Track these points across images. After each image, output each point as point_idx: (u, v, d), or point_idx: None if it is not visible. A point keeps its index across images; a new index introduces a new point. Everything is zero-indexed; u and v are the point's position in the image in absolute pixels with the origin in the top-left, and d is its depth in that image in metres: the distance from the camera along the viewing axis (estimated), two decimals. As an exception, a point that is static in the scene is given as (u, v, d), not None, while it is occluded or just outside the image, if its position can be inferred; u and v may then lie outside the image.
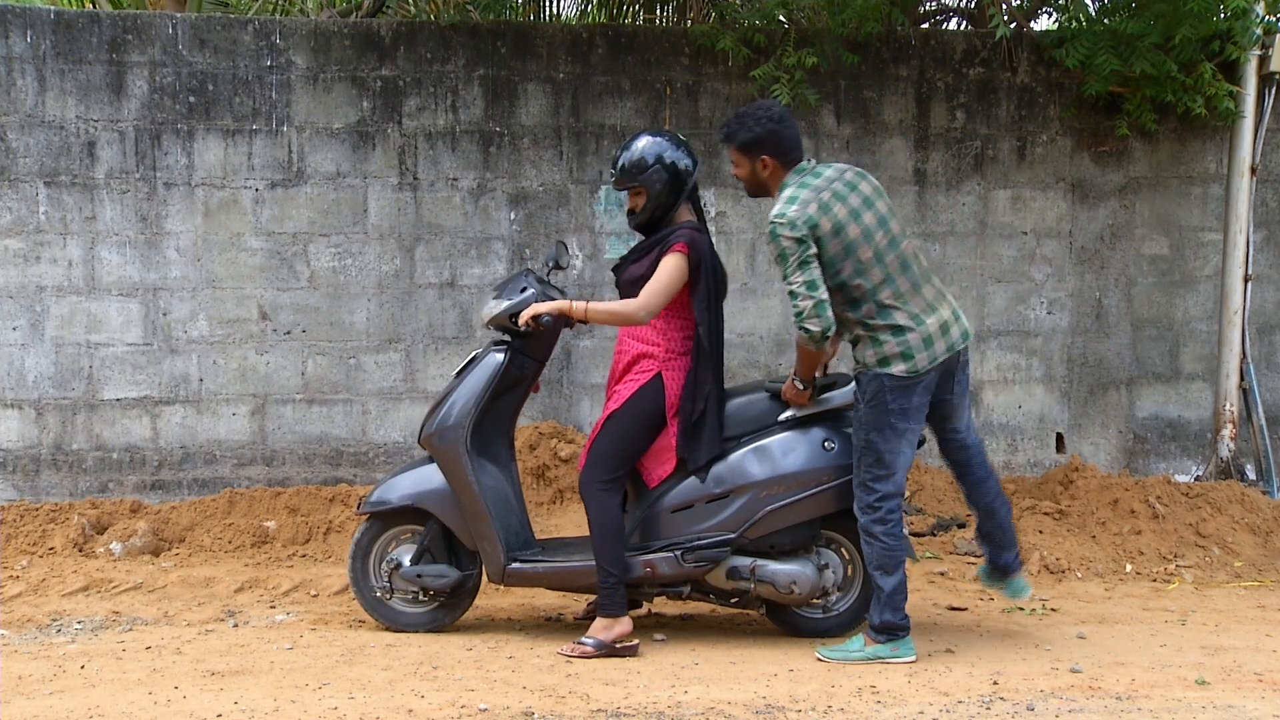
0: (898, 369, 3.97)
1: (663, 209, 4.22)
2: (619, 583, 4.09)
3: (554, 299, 4.25)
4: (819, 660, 4.01)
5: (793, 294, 3.91)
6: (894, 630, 4.01)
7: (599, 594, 4.12)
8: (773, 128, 4.04)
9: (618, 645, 4.06)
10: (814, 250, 3.90)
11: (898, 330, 3.97)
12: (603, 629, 4.08)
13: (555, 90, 6.24)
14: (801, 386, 4.14)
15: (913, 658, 4.02)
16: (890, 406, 3.98)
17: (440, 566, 4.32)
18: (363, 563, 4.39)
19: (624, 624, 4.09)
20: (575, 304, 4.15)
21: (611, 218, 6.19)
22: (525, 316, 4.13)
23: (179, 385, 6.05)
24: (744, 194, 6.20)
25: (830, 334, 3.91)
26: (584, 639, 4.08)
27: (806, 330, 3.90)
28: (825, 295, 3.89)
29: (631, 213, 4.27)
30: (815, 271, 3.90)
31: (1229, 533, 5.68)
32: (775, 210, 3.95)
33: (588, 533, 4.28)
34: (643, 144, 4.23)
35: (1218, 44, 6.01)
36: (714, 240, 6.21)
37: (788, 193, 3.99)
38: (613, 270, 4.43)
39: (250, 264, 6.08)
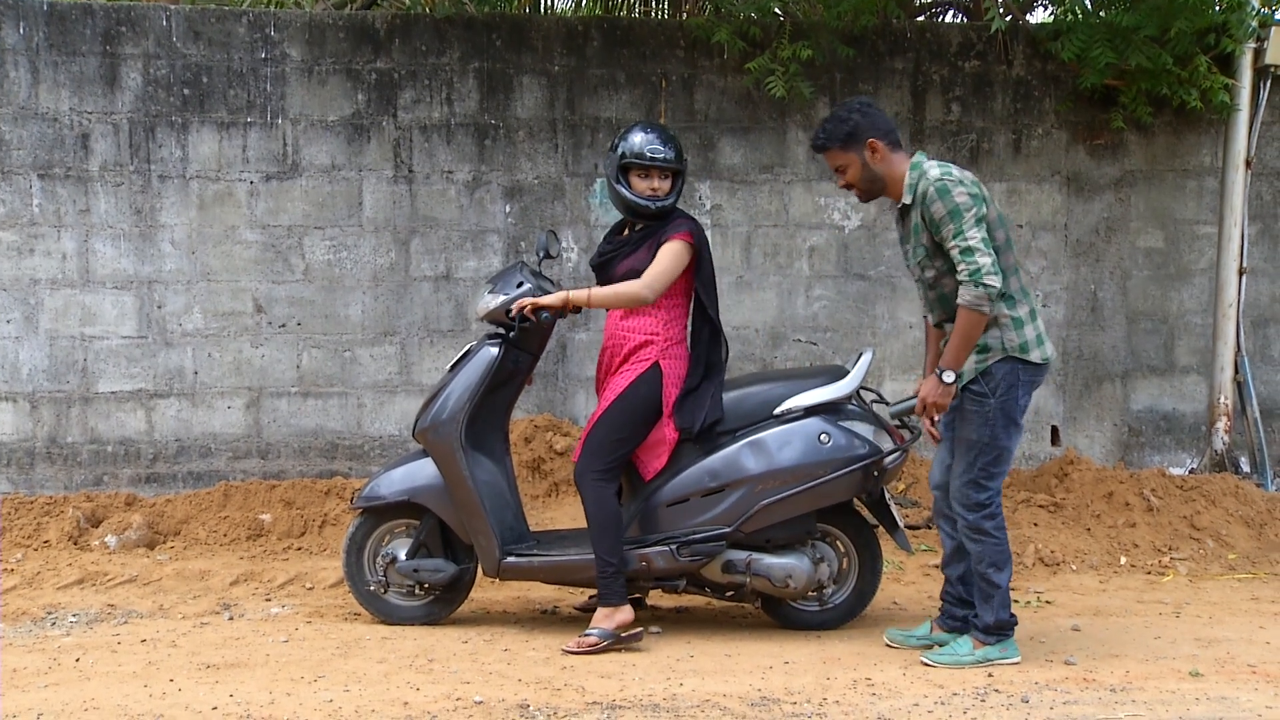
0: (1035, 355, 3.83)
1: (678, 198, 4.27)
2: (617, 571, 4.09)
3: (549, 291, 4.25)
4: (926, 666, 3.86)
5: (970, 250, 3.67)
6: (1005, 629, 3.90)
7: (598, 583, 4.12)
8: (864, 111, 3.89)
9: (623, 635, 4.07)
10: (986, 210, 3.75)
11: (1033, 315, 3.86)
12: (604, 618, 4.08)
13: (550, 83, 6.23)
14: (951, 379, 3.76)
15: (1019, 659, 3.91)
16: (1020, 401, 3.84)
17: (437, 561, 4.32)
18: (357, 557, 4.39)
19: (625, 611, 4.09)
20: (575, 293, 4.15)
21: (606, 210, 6.18)
22: (525, 305, 4.11)
23: (174, 378, 6.04)
24: (739, 187, 6.30)
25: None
26: (588, 631, 4.08)
27: (987, 287, 3.64)
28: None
29: (653, 195, 4.18)
30: (985, 231, 3.71)
31: (1223, 525, 5.70)
32: (934, 172, 3.75)
33: (583, 525, 4.29)
34: (669, 133, 4.29)
35: (1213, 37, 6.01)
36: (709, 232, 6.24)
37: (931, 162, 3.82)
38: (594, 267, 4.38)
39: (245, 257, 6.07)
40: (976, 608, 3.95)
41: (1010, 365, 3.82)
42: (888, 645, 4.09)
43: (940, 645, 4.00)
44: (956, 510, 3.90)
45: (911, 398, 3.96)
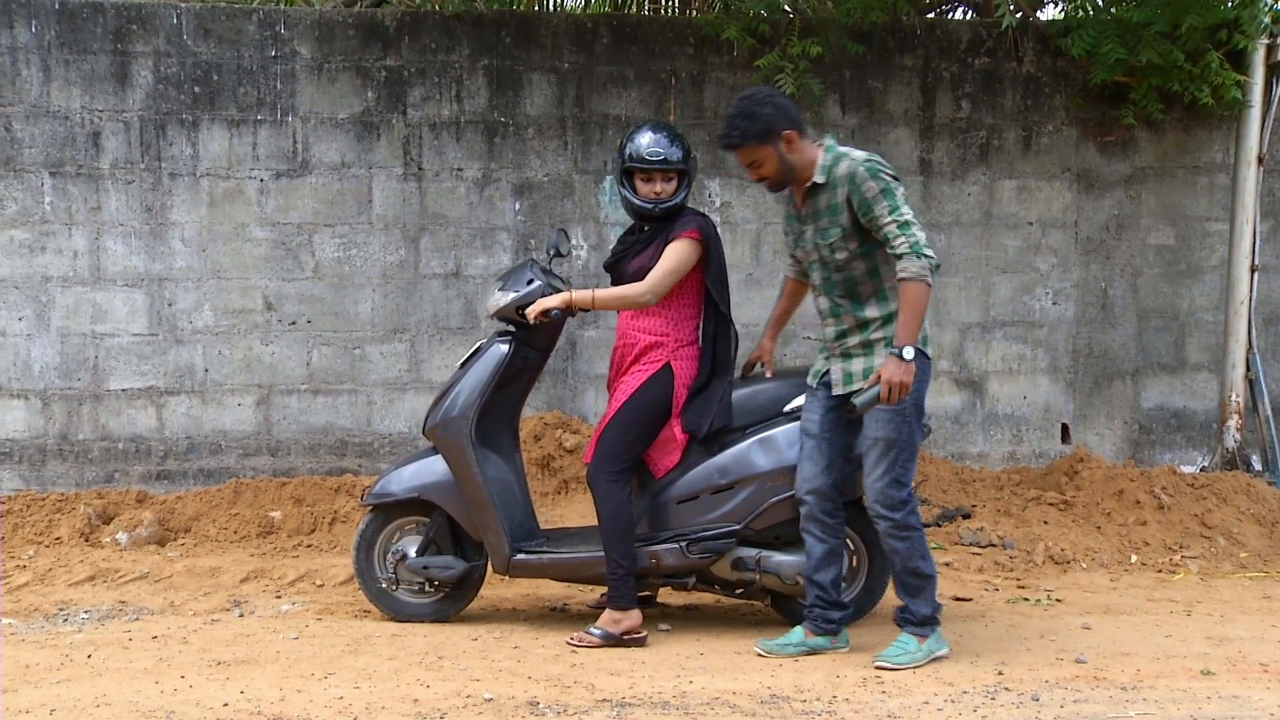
0: (930, 349, 3.88)
1: (685, 199, 4.24)
2: (628, 575, 4.10)
3: (559, 290, 4.25)
4: (886, 670, 3.81)
5: (907, 224, 3.67)
6: (936, 619, 3.94)
7: (608, 586, 4.12)
8: (775, 103, 3.81)
9: (626, 637, 4.07)
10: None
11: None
12: (612, 621, 4.09)
13: (560, 80, 6.23)
14: (911, 355, 3.67)
15: (949, 649, 3.96)
16: (925, 395, 3.88)
17: (446, 558, 4.33)
18: (367, 554, 4.39)
19: (633, 616, 4.10)
20: (580, 294, 4.14)
21: (615, 208, 6.18)
22: (533, 312, 4.11)
23: (184, 375, 6.05)
24: (749, 185, 6.29)
25: None
26: (592, 629, 4.09)
27: (929, 258, 3.65)
28: None
29: (656, 198, 4.17)
30: None
31: (1234, 523, 5.68)
32: (861, 154, 3.76)
33: (593, 523, 4.29)
34: (674, 132, 4.26)
35: (1225, 33, 5.99)
36: (719, 230, 6.23)
37: (847, 150, 3.82)
38: (607, 267, 4.38)
39: (255, 254, 6.08)
40: (906, 604, 3.93)
41: (920, 360, 3.79)
42: (760, 655, 3.97)
43: (816, 650, 3.97)
44: (879, 512, 3.83)
45: (871, 386, 3.73)
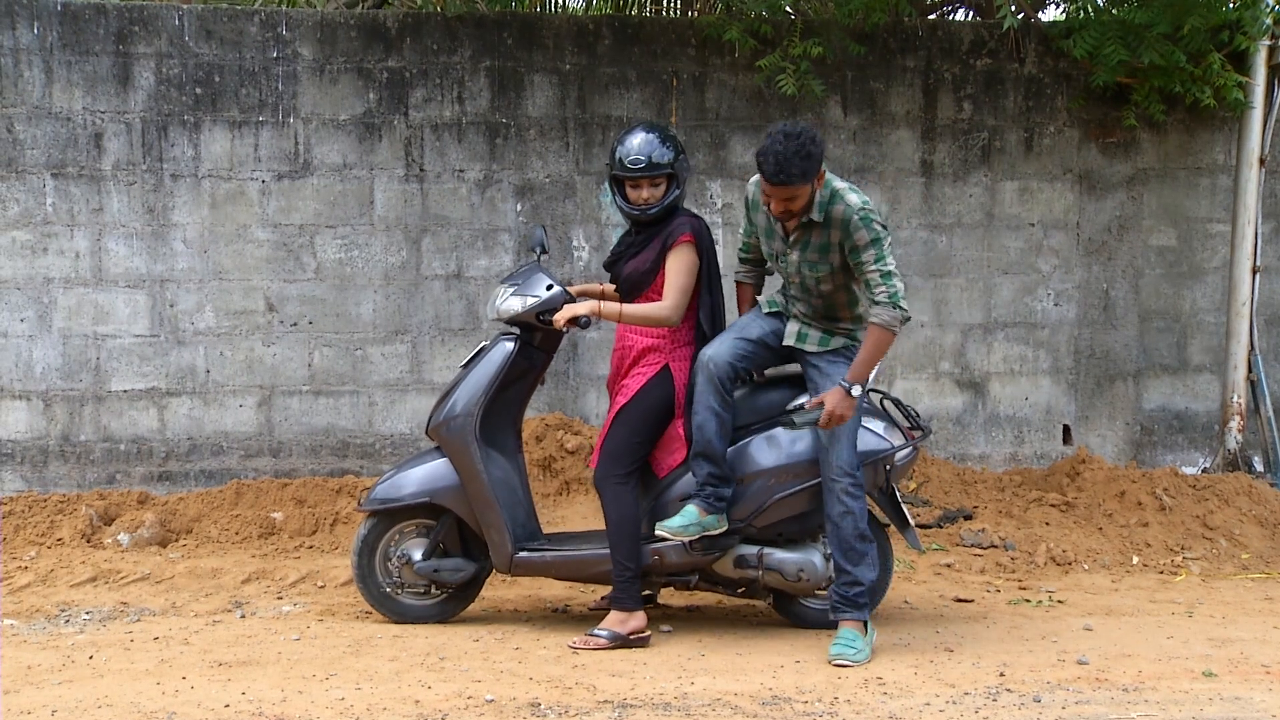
0: None
1: (678, 199, 4.22)
2: (635, 576, 4.10)
3: (572, 295, 4.26)
4: (843, 667, 3.86)
5: (890, 274, 3.87)
6: (869, 606, 4.06)
7: (614, 587, 4.12)
8: (818, 140, 3.80)
9: (631, 637, 4.07)
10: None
11: None
12: (618, 622, 4.09)
13: (561, 81, 6.23)
14: (858, 392, 3.90)
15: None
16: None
17: (457, 560, 4.32)
18: (369, 559, 4.36)
19: (639, 617, 4.10)
20: (608, 307, 4.14)
21: (615, 210, 6.17)
22: (562, 319, 4.10)
23: (186, 377, 6.06)
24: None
25: None
26: (597, 631, 4.08)
27: (903, 310, 3.87)
28: None
29: (644, 204, 4.17)
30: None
31: (1236, 525, 5.68)
32: (856, 199, 3.88)
33: (597, 525, 4.29)
34: (664, 134, 4.25)
35: (1227, 34, 5.99)
36: (720, 231, 6.25)
37: (841, 184, 3.94)
38: (606, 266, 4.40)
39: (257, 255, 6.08)
40: (853, 573, 4.01)
41: None
42: (662, 536, 4.08)
43: (708, 529, 4.06)
44: (840, 473, 3.98)
45: (813, 409, 3.92)
